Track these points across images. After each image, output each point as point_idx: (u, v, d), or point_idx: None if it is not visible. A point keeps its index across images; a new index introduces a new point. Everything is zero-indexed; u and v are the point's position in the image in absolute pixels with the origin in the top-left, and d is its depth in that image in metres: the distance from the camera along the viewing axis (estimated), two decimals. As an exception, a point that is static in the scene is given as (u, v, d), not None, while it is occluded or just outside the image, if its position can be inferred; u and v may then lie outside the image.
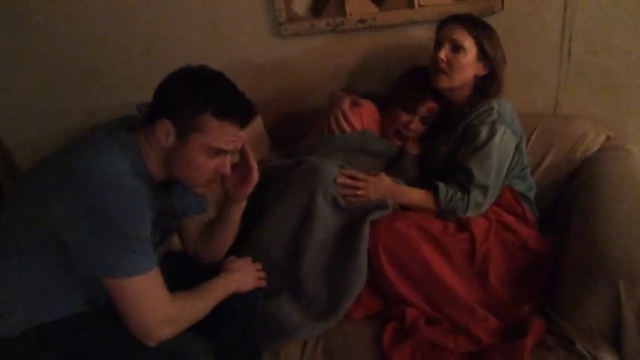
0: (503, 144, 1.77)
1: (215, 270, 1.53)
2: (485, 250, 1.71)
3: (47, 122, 2.57)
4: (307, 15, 2.22)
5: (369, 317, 1.68)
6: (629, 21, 2.00)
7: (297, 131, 2.21)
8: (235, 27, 2.29)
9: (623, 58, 2.05)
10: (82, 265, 1.23)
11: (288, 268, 1.68)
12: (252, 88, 2.35)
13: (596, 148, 2.02)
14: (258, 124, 2.29)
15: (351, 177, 1.77)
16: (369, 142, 1.94)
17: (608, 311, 1.45)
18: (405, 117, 1.96)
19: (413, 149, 1.99)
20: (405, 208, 1.81)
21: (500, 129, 1.77)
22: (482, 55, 1.80)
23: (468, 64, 1.80)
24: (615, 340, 1.45)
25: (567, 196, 1.94)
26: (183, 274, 1.56)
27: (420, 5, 2.11)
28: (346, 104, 1.93)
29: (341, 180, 1.75)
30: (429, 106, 1.94)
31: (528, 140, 2.04)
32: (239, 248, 1.69)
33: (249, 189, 1.52)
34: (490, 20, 1.91)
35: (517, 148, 1.85)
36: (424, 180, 1.90)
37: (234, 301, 1.48)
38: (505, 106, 1.84)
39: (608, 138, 2.05)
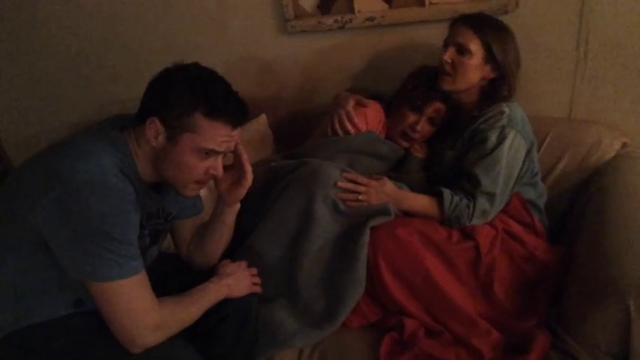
0: (512, 150, 1.71)
1: (209, 273, 1.50)
2: (490, 260, 1.65)
3: (56, 117, 2.59)
4: (315, 11, 2.20)
5: (367, 327, 1.64)
6: (649, 23, 1.92)
7: (303, 130, 2.17)
8: (242, 22, 2.28)
9: (642, 61, 1.98)
10: (65, 267, 1.20)
11: (284, 273, 1.64)
12: (257, 85, 2.39)
13: (611, 155, 1.94)
14: (262, 122, 2.26)
15: (353, 181, 1.72)
16: (373, 144, 1.89)
17: (617, 330, 1.38)
18: (411, 117, 1.91)
19: (419, 152, 1.94)
20: (408, 214, 1.75)
21: (510, 134, 1.71)
22: (490, 58, 1.74)
23: (474, 67, 1.74)
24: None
25: (579, 204, 1.87)
26: (177, 276, 1.54)
27: (430, 3, 2.06)
28: (350, 104, 1.89)
29: (342, 184, 1.70)
30: (437, 106, 1.89)
31: (541, 145, 1.97)
32: (236, 251, 1.66)
33: (242, 192, 1.48)
34: (503, 19, 1.85)
35: (528, 154, 1.78)
36: (430, 185, 1.85)
37: (226, 307, 1.45)
38: (516, 110, 1.78)
39: (624, 145, 1.97)
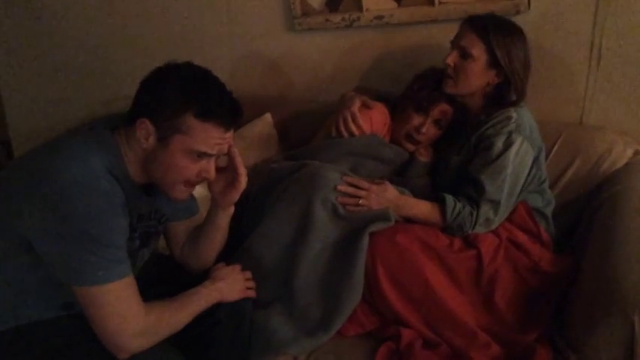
0: (519, 157, 1.66)
1: (203, 275, 1.48)
2: (492, 270, 1.61)
3: (64, 113, 2.60)
4: (322, 9, 2.18)
5: (364, 335, 1.60)
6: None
7: (307, 130, 2.13)
8: (249, 19, 2.27)
9: (657, 67, 1.91)
10: (51, 270, 1.18)
11: (280, 278, 1.60)
12: (262, 83, 2.36)
13: (622, 163, 1.88)
14: (267, 121, 2.23)
15: (354, 185, 1.67)
16: (377, 147, 1.86)
17: (621, 346, 1.33)
18: (417, 119, 1.87)
19: (424, 156, 1.90)
20: (409, 220, 1.71)
21: (517, 140, 1.66)
22: (494, 63, 1.69)
23: (477, 72, 1.70)
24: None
25: (588, 213, 1.81)
26: (170, 278, 1.52)
27: (440, 3, 2.02)
28: (356, 106, 1.85)
29: (342, 188, 1.66)
30: (443, 108, 1.85)
31: (550, 151, 1.92)
32: (233, 254, 1.63)
33: (236, 195, 1.44)
34: (515, 20, 1.80)
35: (535, 161, 1.73)
36: (434, 190, 1.80)
37: (219, 311, 1.43)
38: (525, 116, 1.72)
39: (636, 152, 1.91)
